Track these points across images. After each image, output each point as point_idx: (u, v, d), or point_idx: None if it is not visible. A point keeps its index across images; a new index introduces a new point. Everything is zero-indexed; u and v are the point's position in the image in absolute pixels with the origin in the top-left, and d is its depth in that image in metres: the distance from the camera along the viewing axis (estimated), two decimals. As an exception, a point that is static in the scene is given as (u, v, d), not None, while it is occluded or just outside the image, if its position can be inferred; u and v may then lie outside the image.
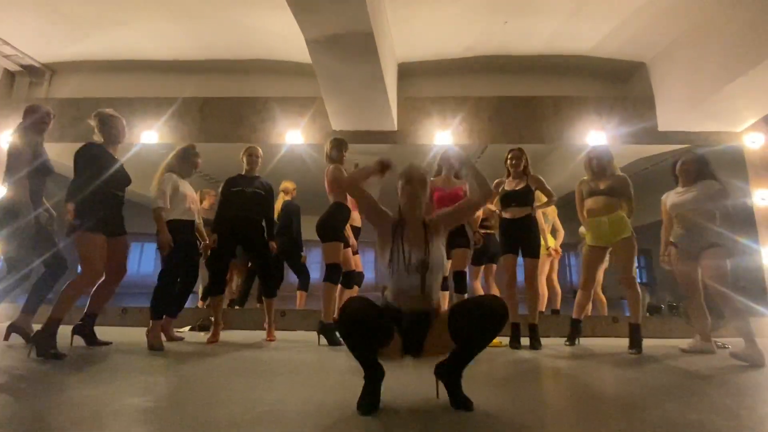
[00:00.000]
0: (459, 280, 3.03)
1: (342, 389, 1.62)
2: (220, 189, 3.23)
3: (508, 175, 3.24)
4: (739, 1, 3.25)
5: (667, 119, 3.96)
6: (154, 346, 2.57)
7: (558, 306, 4.19)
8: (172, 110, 4.21)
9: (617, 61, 4.22)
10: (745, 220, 3.83)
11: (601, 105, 4.05)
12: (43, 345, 2.19)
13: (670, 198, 2.91)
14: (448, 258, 3.00)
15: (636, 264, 3.02)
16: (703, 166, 2.84)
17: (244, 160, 3.18)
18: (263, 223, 3.12)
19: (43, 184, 2.70)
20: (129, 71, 4.57)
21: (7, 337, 2.62)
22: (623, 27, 3.75)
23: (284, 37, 3.77)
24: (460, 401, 1.36)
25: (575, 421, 1.34)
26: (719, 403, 1.54)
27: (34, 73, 4.63)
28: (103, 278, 2.58)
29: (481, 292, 4.09)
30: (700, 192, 2.75)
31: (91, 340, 2.65)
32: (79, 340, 2.60)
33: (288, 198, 4.05)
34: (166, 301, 2.75)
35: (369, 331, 1.29)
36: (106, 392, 1.53)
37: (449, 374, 1.39)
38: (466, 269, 3.16)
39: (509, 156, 3.23)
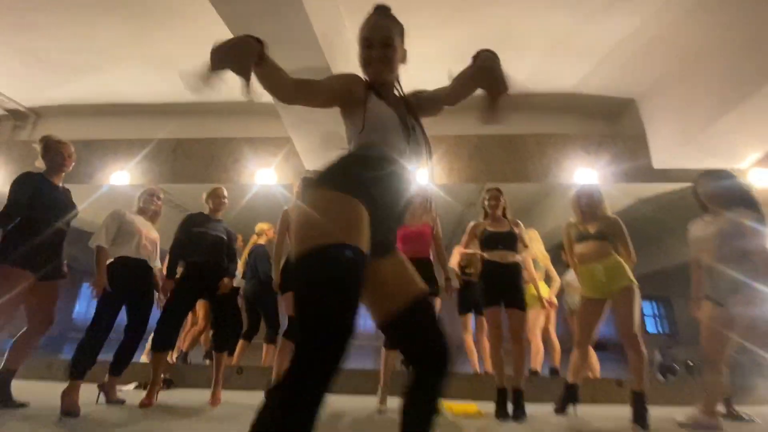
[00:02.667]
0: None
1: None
2: (180, 225, 2.88)
3: (485, 216, 2.94)
4: (727, 30, 3.09)
5: (662, 157, 3.69)
6: (69, 412, 2.21)
7: (557, 363, 3.71)
8: (146, 151, 4.13)
9: (604, 97, 4.05)
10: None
11: (589, 142, 3.83)
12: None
13: (696, 230, 2.45)
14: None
15: (639, 317, 2.57)
16: (737, 189, 2.37)
17: (210, 202, 2.89)
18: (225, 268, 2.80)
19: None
20: (109, 114, 4.59)
21: None
22: (605, 63, 3.62)
23: (255, 80, 3.73)
24: None
25: None
26: None
27: (18, 116, 4.68)
28: (25, 328, 2.32)
29: (472, 347, 3.67)
30: (729, 223, 2.28)
31: (5, 399, 2.31)
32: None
33: (262, 241, 3.80)
34: (89, 357, 2.41)
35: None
36: None
37: None
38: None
39: (487, 196, 2.95)
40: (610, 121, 4.22)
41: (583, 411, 2.68)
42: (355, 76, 1.13)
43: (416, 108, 1.20)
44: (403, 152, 1.07)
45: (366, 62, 1.14)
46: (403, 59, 1.21)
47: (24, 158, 4.33)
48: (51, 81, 4.19)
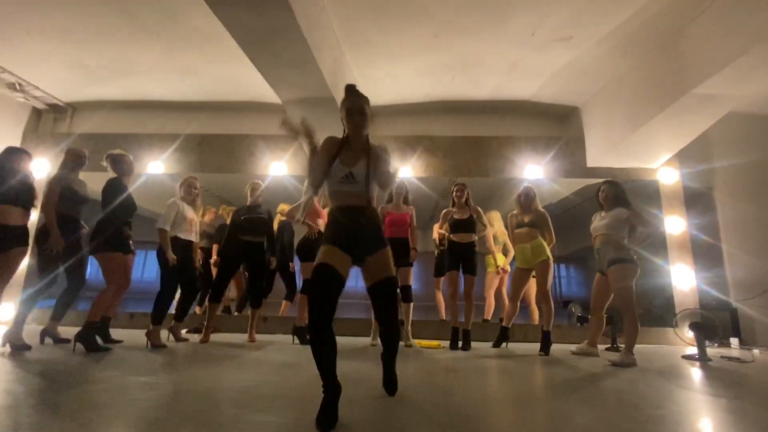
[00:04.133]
0: (405, 292, 3.71)
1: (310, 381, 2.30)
2: (230, 215, 3.94)
3: (453, 205, 3.93)
4: (639, 65, 3.97)
5: (594, 157, 4.66)
6: (156, 345, 3.24)
7: (506, 322, 4.83)
8: (176, 144, 4.94)
9: (556, 105, 4.94)
10: (661, 244, 4.50)
11: (538, 144, 4.76)
12: (89, 342, 2.88)
13: (594, 221, 3.46)
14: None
15: (551, 281, 3.66)
16: (619, 194, 3.33)
17: (249, 192, 3.88)
18: (264, 245, 3.83)
19: (76, 210, 3.29)
20: (139, 110, 5.32)
21: (42, 340, 3.28)
22: (554, 79, 4.47)
23: (264, 83, 4.49)
24: (388, 382, 1.80)
25: (482, 409, 2.01)
26: (594, 395, 2.20)
27: (58, 110, 5.39)
28: (105, 287, 3.16)
29: (441, 300, 4.77)
30: (612, 218, 3.27)
31: (106, 338, 3.32)
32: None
33: (283, 218, 4.72)
34: (164, 308, 3.42)
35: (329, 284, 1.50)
36: (125, 373, 2.22)
37: (385, 358, 1.81)
38: (411, 283, 3.80)
39: (454, 189, 3.92)
40: (559, 125, 5.14)
41: (513, 346, 3.83)
42: (328, 143, 1.79)
43: (374, 157, 1.76)
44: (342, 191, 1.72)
45: (351, 124, 1.77)
46: (372, 119, 1.85)
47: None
48: (89, 81, 4.89)
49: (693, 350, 3.50)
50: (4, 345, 2.84)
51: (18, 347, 2.83)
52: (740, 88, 3.30)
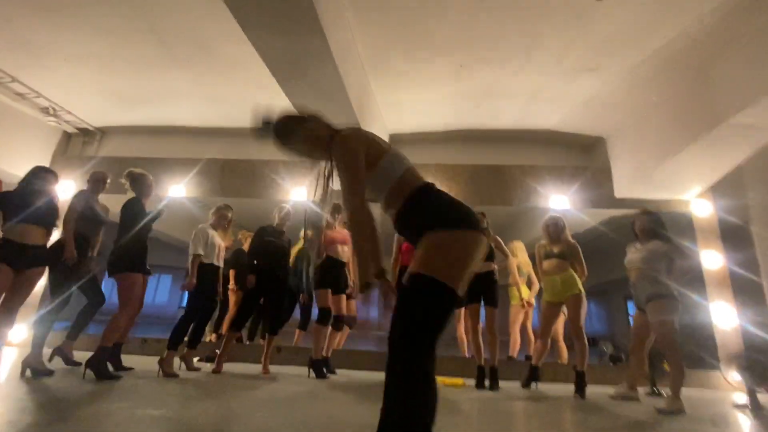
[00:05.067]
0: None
1: (329, 417, 2.13)
2: (252, 235, 3.81)
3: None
4: (669, 91, 3.89)
5: (622, 187, 4.52)
6: (169, 373, 3.09)
7: (531, 353, 4.57)
8: (197, 168, 4.99)
9: (580, 135, 4.86)
10: (698, 280, 4.25)
11: (564, 174, 4.65)
12: (100, 369, 2.75)
13: (628, 254, 3.26)
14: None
15: (584, 316, 3.43)
16: (657, 227, 3.15)
17: (277, 216, 3.79)
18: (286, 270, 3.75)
19: (92, 230, 3.29)
20: (165, 135, 5.44)
21: (51, 359, 3.17)
22: (578, 108, 4.42)
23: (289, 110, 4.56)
24: None
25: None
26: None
27: (87, 134, 5.54)
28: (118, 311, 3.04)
29: (463, 336, 4.53)
30: (649, 252, 3.09)
31: (117, 365, 3.19)
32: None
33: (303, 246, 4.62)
34: (183, 333, 3.30)
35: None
36: (136, 405, 2.08)
37: None
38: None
39: (475, 216, 3.81)
40: (583, 155, 5.05)
41: (543, 387, 3.57)
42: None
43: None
44: None
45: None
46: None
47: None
48: (118, 107, 5.04)
49: (741, 396, 3.19)
50: (24, 371, 2.73)
51: (40, 372, 2.73)
52: (779, 119, 3.18)
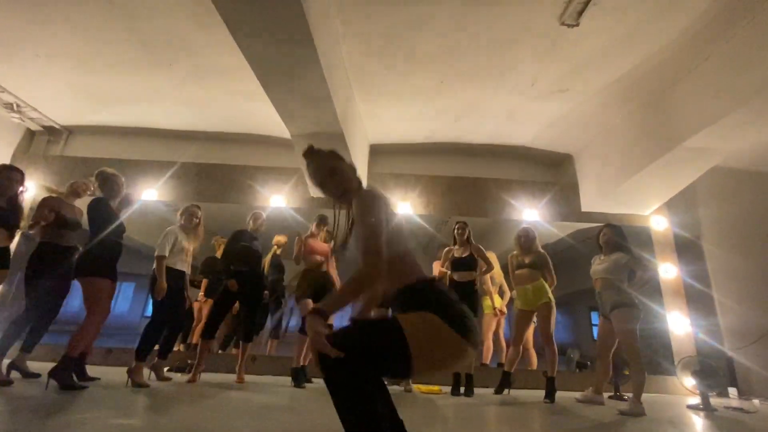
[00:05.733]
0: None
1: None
2: (227, 240, 3.74)
3: (455, 243, 3.92)
4: (632, 113, 4.20)
5: (588, 202, 4.79)
6: (139, 383, 2.98)
7: (503, 360, 4.71)
8: (172, 172, 4.87)
9: (551, 152, 5.13)
10: (656, 290, 4.55)
11: (535, 188, 4.89)
12: (63, 379, 2.62)
13: (593, 264, 3.46)
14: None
15: (553, 324, 3.60)
16: (620, 239, 3.37)
17: (251, 222, 3.76)
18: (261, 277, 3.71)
19: (63, 235, 3.09)
20: (136, 136, 5.27)
21: (8, 374, 2.97)
22: (552, 127, 4.68)
23: (270, 117, 4.53)
24: None
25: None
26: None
27: (53, 133, 5.29)
28: (84, 320, 2.87)
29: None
30: (612, 262, 3.30)
31: (82, 376, 3.04)
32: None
33: (278, 251, 4.57)
34: (152, 343, 3.19)
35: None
36: (107, 414, 2.01)
37: None
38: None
39: (456, 227, 3.93)
40: (552, 170, 5.33)
41: (515, 393, 3.69)
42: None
43: None
44: None
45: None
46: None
47: (60, 172, 4.96)
48: (90, 106, 4.85)
49: (695, 399, 3.43)
50: None
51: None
52: (728, 144, 3.51)
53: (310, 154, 1.41)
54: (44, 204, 3.08)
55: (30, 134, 5.30)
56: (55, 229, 3.06)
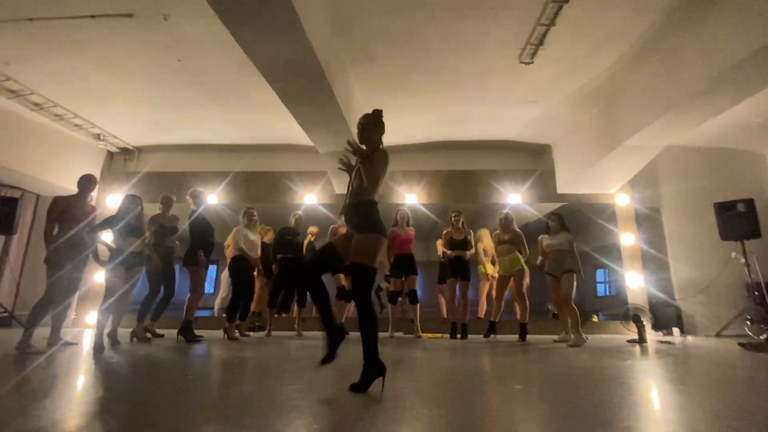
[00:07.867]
0: (412, 295, 4.85)
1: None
2: (276, 235, 5.09)
3: (452, 227, 5.09)
4: (591, 114, 5.14)
5: (562, 185, 5.83)
6: (232, 338, 4.38)
7: (494, 317, 5.96)
8: (227, 180, 6.14)
9: (532, 144, 6.12)
10: (617, 254, 5.65)
11: (518, 175, 5.95)
12: (189, 335, 4.06)
13: (545, 241, 4.64)
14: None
15: (526, 285, 4.80)
16: (563, 222, 4.58)
17: (293, 221, 5.06)
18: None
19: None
20: (195, 151, 6.53)
21: (138, 338, 4.35)
22: (531, 124, 5.65)
23: (301, 131, 5.67)
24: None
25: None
26: (558, 364, 3.35)
27: (127, 153, 6.60)
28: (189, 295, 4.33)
29: (442, 302, 5.89)
30: (561, 239, 4.48)
31: (192, 336, 4.46)
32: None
33: (312, 239, 5.85)
34: (237, 308, 4.57)
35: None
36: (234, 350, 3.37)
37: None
38: (416, 288, 4.93)
39: (453, 214, 5.10)
40: (533, 159, 6.32)
41: (499, 337, 4.96)
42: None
43: None
44: None
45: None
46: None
47: (139, 184, 6.29)
48: (154, 130, 6.08)
49: (635, 336, 4.62)
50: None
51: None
52: (659, 142, 4.48)
53: (367, 114, 2.28)
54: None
55: (110, 155, 6.62)
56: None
